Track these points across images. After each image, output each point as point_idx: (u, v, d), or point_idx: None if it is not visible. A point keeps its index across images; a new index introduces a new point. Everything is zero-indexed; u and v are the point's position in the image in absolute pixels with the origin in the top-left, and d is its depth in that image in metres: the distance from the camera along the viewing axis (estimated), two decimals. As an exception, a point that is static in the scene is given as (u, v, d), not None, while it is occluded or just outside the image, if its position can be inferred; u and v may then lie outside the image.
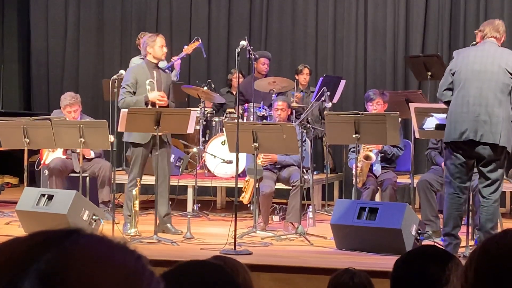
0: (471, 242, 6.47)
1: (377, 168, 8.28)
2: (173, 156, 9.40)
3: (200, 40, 9.53)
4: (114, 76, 7.81)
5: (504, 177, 8.98)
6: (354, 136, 7.30)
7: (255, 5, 11.71)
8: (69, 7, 12.32)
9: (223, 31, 11.80)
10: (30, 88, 12.54)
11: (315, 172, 9.51)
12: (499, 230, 6.71)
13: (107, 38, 12.25)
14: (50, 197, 7.43)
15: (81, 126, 7.84)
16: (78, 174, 8.20)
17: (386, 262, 5.46)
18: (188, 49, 9.49)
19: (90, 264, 0.88)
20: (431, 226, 7.36)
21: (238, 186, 7.27)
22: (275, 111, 8.33)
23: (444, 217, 6.48)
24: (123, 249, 0.93)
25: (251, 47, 8.59)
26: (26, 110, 12.14)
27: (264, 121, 8.99)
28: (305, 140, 8.30)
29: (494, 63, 6.22)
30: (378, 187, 8.25)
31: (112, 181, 7.82)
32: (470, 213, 6.55)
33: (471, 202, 6.56)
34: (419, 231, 6.68)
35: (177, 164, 9.42)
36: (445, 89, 6.37)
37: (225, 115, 9.93)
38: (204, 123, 9.69)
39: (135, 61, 10.12)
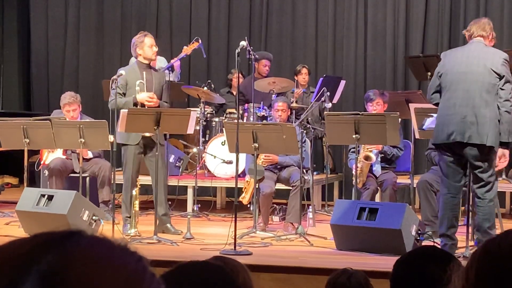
0: (471, 243, 6.47)
1: (377, 169, 8.28)
2: (173, 156, 9.41)
3: (200, 41, 9.53)
4: (114, 76, 7.81)
5: (504, 177, 9.04)
6: (354, 136, 7.30)
7: (255, 6, 11.71)
8: (69, 7, 12.32)
9: (223, 31, 11.80)
10: (30, 88, 12.55)
11: (315, 173, 9.50)
12: (498, 230, 6.72)
13: (107, 38, 12.25)
14: (50, 198, 7.42)
15: (81, 126, 7.84)
16: (78, 174, 8.21)
17: (386, 262, 5.46)
18: (187, 50, 9.48)
19: (91, 265, 0.88)
20: (431, 226, 7.35)
21: (238, 186, 7.27)
22: (276, 112, 8.33)
23: (439, 218, 6.49)
24: (124, 251, 0.92)
25: (251, 48, 8.59)
26: (26, 110, 12.14)
27: (264, 121, 8.99)
28: (305, 141, 8.30)
29: (479, 63, 6.23)
30: (378, 188, 8.25)
31: (112, 181, 7.81)
32: (470, 213, 6.54)
33: (470, 203, 6.55)
34: (419, 232, 6.68)
35: (177, 164, 9.42)
36: (433, 92, 6.41)
37: (225, 115, 9.94)
38: (204, 123, 9.70)
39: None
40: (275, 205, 8.55)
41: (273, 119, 8.43)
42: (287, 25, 11.57)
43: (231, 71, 10.73)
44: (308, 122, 9.37)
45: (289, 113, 8.49)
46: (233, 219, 6.67)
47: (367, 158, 8.09)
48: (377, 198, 8.36)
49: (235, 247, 6.54)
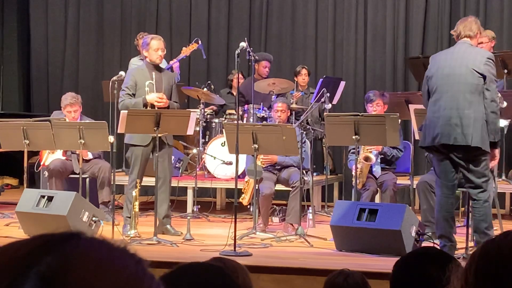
0: (471, 244, 6.47)
1: (377, 169, 8.28)
2: (173, 157, 9.40)
3: (199, 42, 9.53)
4: (114, 78, 7.81)
5: (503, 178, 9.04)
6: (354, 137, 7.31)
7: (254, 7, 11.72)
8: (69, 9, 12.33)
9: (222, 32, 11.80)
10: (29, 89, 12.55)
11: (314, 173, 9.51)
12: (498, 231, 6.72)
13: (106, 39, 12.25)
14: (50, 199, 7.43)
15: (81, 127, 7.84)
16: (77, 175, 8.21)
17: (386, 263, 5.46)
18: (186, 51, 9.49)
19: (91, 267, 0.88)
20: (431, 227, 7.34)
21: (238, 187, 7.27)
22: (275, 113, 8.33)
23: (435, 220, 6.50)
24: (124, 253, 0.93)
25: (251, 49, 8.59)
26: (25, 112, 12.14)
27: (264, 122, 8.99)
28: (304, 141, 8.30)
29: (462, 64, 6.24)
30: (378, 188, 8.25)
31: (112, 182, 7.82)
32: (470, 214, 6.54)
33: (470, 204, 6.56)
34: (419, 232, 6.68)
35: (176, 165, 9.42)
36: (424, 96, 6.46)
37: (224, 116, 9.94)
38: (204, 124, 9.70)
39: (134, 61, 10.12)
40: (275, 206, 8.54)
41: (273, 120, 8.43)
42: (287, 26, 11.57)
43: (232, 71, 10.74)
44: (308, 123, 9.37)
45: (288, 113, 8.49)
46: (233, 220, 6.67)
47: (366, 159, 8.09)
48: (377, 199, 8.36)
49: (235, 248, 6.54)
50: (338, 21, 11.36)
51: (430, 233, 7.02)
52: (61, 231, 0.93)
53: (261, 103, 9.42)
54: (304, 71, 10.23)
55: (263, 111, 9.32)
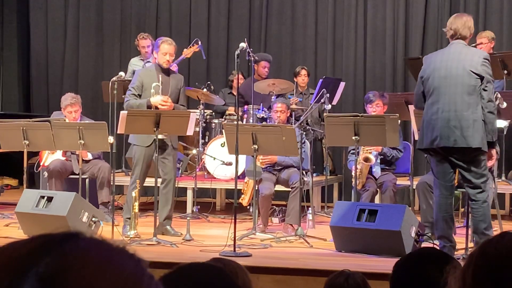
0: (471, 244, 6.47)
1: (377, 170, 8.28)
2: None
3: (199, 42, 9.53)
4: (114, 78, 7.81)
5: (503, 178, 9.04)
6: (353, 138, 7.30)
7: (254, 7, 11.72)
8: (68, 9, 12.33)
9: (222, 33, 11.80)
10: (29, 89, 12.54)
11: (314, 174, 9.51)
12: (498, 231, 6.72)
13: (106, 40, 12.25)
14: (50, 199, 7.43)
15: (80, 128, 7.84)
16: (77, 176, 8.20)
17: (386, 264, 5.46)
18: (187, 53, 9.49)
19: (90, 268, 0.88)
20: (431, 228, 7.35)
21: (238, 188, 7.27)
22: (275, 113, 8.32)
23: (435, 220, 6.50)
24: (123, 253, 0.93)
25: (251, 49, 8.59)
26: (25, 112, 12.14)
27: (264, 123, 8.99)
28: (304, 142, 8.30)
29: (459, 66, 6.22)
30: (378, 189, 8.25)
31: (112, 183, 7.82)
32: (470, 215, 6.54)
33: (469, 204, 6.55)
34: (419, 233, 6.68)
35: (176, 166, 9.41)
36: (420, 98, 6.43)
37: (224, 117, 9.94)
38: (204, 125, 9.70)
39: (134, 62, 10.14)
40: (274, 206, 8.54)
41: (273, 121, 8.43)
42: (287, 27, 11.57)
43: (232, 72, 10.74)
44: (307, 124, 9.37)
45: (288, 114, 8.48)
46: (233, 220, 6.67)
47: (366, 160, 8.09)
48: (377, 200, 8.36)
49: (234, 248, 6.54)
50: (337, 22, 11.36)
51: (430, 233, 7.03)
52: (61, 231, 0.93)
53: (261, 104, 9.42)
54: (303, 72, 10.23)
55: (263, 112, 9.32)
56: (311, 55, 11.43)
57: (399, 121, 7.82)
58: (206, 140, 9.70)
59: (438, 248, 5.97)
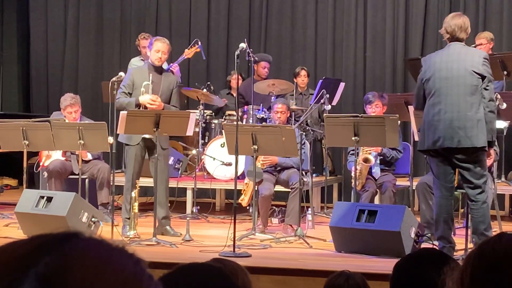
0: (470, 245, 6.47)
1: (376, 171, 8.28)
2: (172, 158, 9.39)
3: (199, 43, 9.53)
4: (114, 78, 7.81)
5: (503, 180, 9.04)
6: (353, 138, 7.30)
7: (254, 8, 11.72)
8: (68, 9, 12.33)
9: (222, 33, 11.80)
10: (29, 90, 12.55)
11: (314, 175, 9.50)
12: (498, 232, 6.71)
13: (106, 40, 12.25)
14: (49, 199, 7.43)
15: (80, 128, 7.84)
16: (77, 176, 8.21)
17: (385, 264, 5.46)
18: (188, 53, 9.49)
19: (89, 268, 0.88)
20: (430, 228, 7.34)
21: (238, 188, 7.27)
22: (275, 114, 8.31)
23: (435, 221, 6.50)
24: (122, 253, 0.93)
25: (251, 50, 8.59)
26: (25, 112, 12.14)
27: (264, 123, 8.99)
28: (304, 143, 8.30)
29: (460, 67, 6.22)
30: (377, 190, 8.25)
31: (111, 183, 7.81)
32: (469, 216, 6.54)
33: (469, 205, 6.55)
34: (418, 234, 6.68)
35: (176, 166, 9.42)
36: (420, 99, 6.42)
37: (224, 117, 9.94)
38: (204, 125, 9.70)
39: (134, 62, 10.13)
40: (274, 207, 8.54)
41: (273, 121, 8.43)
42: (287, 27, 11.57)
43: (231, 72, 10.74)
44: (307, 124, 9.37)
45: (288, 114, 8.47)
46: (232, 221, 6.67)
47: (366, 160, 8.09)
48: (376, 200, 8.36)
49: (234, 249, 6.54)
50: (337, 22, 11.36)
51: (430, 234, 7.03)
52: (60, 231, 0.93)
53: (261, 104, 9.42)
54: (303, 73, 10.23)
55: (263, 112, 9.32)
56: (311, 56, 11.43)
57: (399, 121, 7.82)
58: (206, 141, 9.70)
59: (437, 248, 5.97)
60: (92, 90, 11.78)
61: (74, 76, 12.27)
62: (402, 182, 8.76)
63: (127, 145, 7.72)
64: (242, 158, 8.07)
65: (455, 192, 6.79)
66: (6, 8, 12.65)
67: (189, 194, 9.21)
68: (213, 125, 9.86)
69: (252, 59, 8.74)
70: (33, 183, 9.59)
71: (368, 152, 8.13)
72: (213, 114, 10.14)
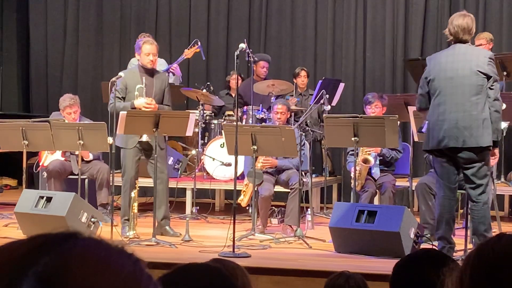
0: (470, 246, 6.47)
1: (376, 171, 8.28)
2: (171, 158, 9.40)
3: (199, 43, 9.53)
4: (113, 79, 7.80)
5: (503, 180, 9.04)
6: (353, 139, 7.30)
7: (254, 8, 11.72)
8: (68, 10, 12.33)
9: (222, 33, 11.80)
10: (29, 90, 12.55)
11: (313, 175, 9.50)
12: (497, 233, 6.71)
13: (106, 40, 12.25)
14: (49, 199, 7.42)
15: (80, 128, 7.84)
16: (76, 176, 8.20)
17: (385, 265, 5.46)
18: (188, 53, 9.49)
19: (88, 267, 0.88)
20: (430, 229, 7.35)
21: (237, 188, 7.27)
22: (275, 115, 8.30)
23: (437, 221, 6.49)
24: (121, 253, 0.93)
25: (250, 50, 8.59)
26: (25, 112, 12.14)
27: (263, 123, 8.99)
28: (304, 143, 8.30)
29: (465, 66, 6.21)
30: (377, 190, 8.25)
31: (111, 184, 7.81)
32: (469, 216, 6.54)
33: (469, 206, 6.55)
34: (418, 234, 6.68)
35: (175, 166, 9.42)
36: (423, 99, 6.40)
37: (224, 117, 9.94)
38: (203, 125, 9.70)
39: (134, 62, 10.11)
40: (273, 207, 8.54)
41: (272, 122, 8.42)
42: (286, 28, 11.58)
43: (230, 72, 10.74)
44: (307, 125, 9.37)
45: (288, 115, 8.47)
46: (232, 221, 6.67)
47: (365, 161, 8.08)
48: (376, 201, 8.36)
49: (233, 249, 6.54)
50: (337, 23, 11.37)
51: (429, 234, 7.03)
52: (59, 231, 0.93)
53: (260, 105, 9.42)
54: (303, 73, 10.23)
55: (262, 113, 9.32)
56: (310, 56, 11.44)
57: (398, 122, 7.81)
58: (206, 141, 9.69)
59: (437, 249, 5.96)
60: (92, 90, 11.77)
61: (74, 76, 12.27)
62: (402, 182, 8.76)
63: (121, 148, 7.72)
64: (241, 159, 8.07)
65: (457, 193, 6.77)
66: (6, 9, 12.64)
67: (188, 194, 9.21)
68: (213, 125, 9.86)
69: (252, 59, 8.74)
70: (32, 183, 9.59)
71: (368, 153, 8.12)
72: (213, 114, 10.14)
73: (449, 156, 6.28)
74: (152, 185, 7.62)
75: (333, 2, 11.34)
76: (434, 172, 6.50)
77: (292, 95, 9.96)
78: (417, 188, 7.82)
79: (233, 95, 10.17)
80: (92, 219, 7.27)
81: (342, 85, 9.82)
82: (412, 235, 6.62)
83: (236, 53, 7.10)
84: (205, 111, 9.73)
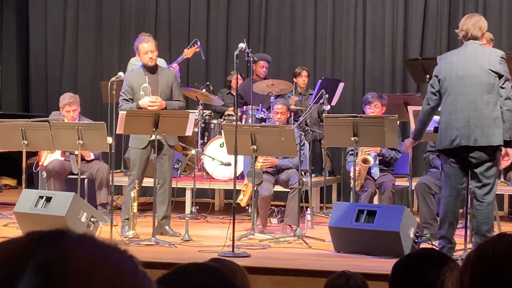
0: (469, 245, 6.47)
1: (375, 171, 8.28)
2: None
3: (198, 43, 9.53)
4: (113, 78, 7.81)
5: (502, 180, 9.04)
6: (352, 138, 7.30)
7: (253, 8, 11.72)
8: (68, 9, 12.32)
9: (221, 33, 11.80)
10: (28, 90, 12.55)
11: (313, 175, 9.50)
12: (497, 232, 6.71)
13: (105, 40, 12.25)
14: (48, 199, 7.42)
15: (79, 128, 7.84)
16: (76, 176, 8.20)
17: (384, 265, 5.46)
18: (187, 53, 9.49)
19: (88, 258, 0.90)
20: (429, 229, 7.35)
21: (237, 188, 7.27)
22: (275, 115, 8.30)
23: (439, 220, 6.49)
24: (115, 249, 0.94)
25: (250, 50, 8.59)
26: (24, 112, 12.14)
27: (263, 123, 8.99)
28: (303, 143, 8.30)
29: (476, 65, 6.21)
30: (376, 190, 8.25)
31: (110, 183, 7.82)
32: (468, 216, 6.54)
33: (469, 206, 6.55)
34: (417, 234, 6.68)
35: (175, 166, 9.42)
36: (432, 97, 6.37)
37: (223, 117, 9.94)
38: (203, 125, 9.70)
39: (134, 61, 10.12)
40: (273, 207, 8.54)
41: (272, 122, 8.42)
42: (286, 27, 11.58)
43: (231, 72, 10.74)
44: (306, 125, 9.37)
45: (288, 115, 8.46)
46: (231, 221, 6.67)
47: (365, 161, 8.08)
48: (376, 201, 8.36)
49: (233, 249, 6.54)
50: (337, 22, 11.37)
51: (429, 234, 7.02)
52: (53, 228, 0.95)
53: (260, 104, 9.42)
54: (304, 73, 10.23)
55: (262, 112, 9.32)
56: (310, 56, 11.44)
57: (398, 122, 7.81)
58: (205, 141, 9.70)
59: (436, 249, 5.97)
60: (92, 90, 11.77)
61: (73, 76, 12.27)
62: (401, 182, 8.76)
63: (132, 148, 7.73)
64: (241, 158, 8.06)
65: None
66: (6, 8, 12.64)
67: (188, 194, 9.21)
68: (212, 125, 9.86)
69: (251, 59, 8.74)
70: (32, 183, 9.59)
71: (367, 153, 8.12)
72: (212, 114, 10.14)
73: (459, 156, 6.25)
74: (152, 185, 7.61)
75: (333, 2, 11.34)
76: (442, 171, 6.46)
77: (293, 94, 9.96)
78: (416, 188, 7.82)
79: (234, 94, 10.18)
80: (92, 219, 7.27)
81: (341, 85, 9.81)
82: (411, 235, 6.62)
83: (235, 53, 7.10)
84: (204, 111, 9.74)
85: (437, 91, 6.35)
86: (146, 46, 7.61)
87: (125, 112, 7.25)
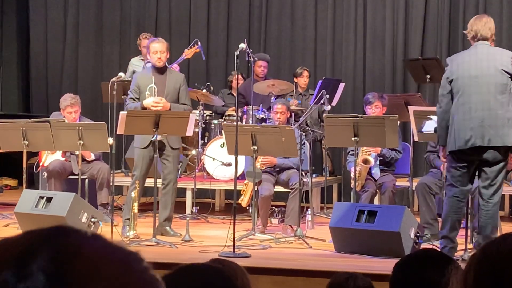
0: (470, 245, 6.47)
1: (376, 171, 8.28)
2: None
3: (199, 43, 9.54)
4: (113, 79, 7.81)
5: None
6: (353, 139, 7.31)
7: (254, 8, 11.72)
8: (68, 10, 12.32)
9: (222, 33, 11.80)
10: (29, 90, 12.54)
11: (314, 175, 9.50)
12: (497, 233, 6.71)
13: (106, 40, 12.25)
14: (49, 199, 7.43)
15: (80, 128, 7.84)
16: (76, 176, 8.20)
17: (385, 265, 5.46)
18: (188, 53, 9.49)
19: (96, 252, 0.91)
20: (430, 229, 7.36)
21: (237, 188, 7.27)
22: (275, 114, 8.31)
23: (442, 220, 6.48)
24: (124, 249, 0.96)
25: (250, 50, 8.59)
26: (25, 112, 12.14)
27: (263, 123, 8.99)
28: (304, 143, 8.30)
29: (489, 65, 6.21)
30: (377, 190, 8.25)
31: (111, 184, 7.82)
32: (469, 216, 6.53)
33: (470, 206, 6.55)
34: (418, 234, 6.68)
35: (177, 167, 9.42)
36: (444, 99, 6.33)
37: (224, 117, 9.94)
38: (203, 125, 9.70)
39: (134, 61, 10.14)
40: (274, 207, 8.54)
41: (273, 122, 8.43)
42: (286, 28, 11.57)
43: (231, 72, 10.74)
44: (307, 125, 9.37)
45: (288, 115, 8.46)
46: (232, 221, 6.67)
47: (365, 161, 8.08)
48: (376, 201, 8.36)
49: (234, 249, 6.54)
50: (337, 23, 11.36)
51: (429, 234, 7.02)
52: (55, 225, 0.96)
53: (260, 105, 9.42)
54: (305, 73, 10.23)
55: (262, 113, 9.32)
56: (310, 56, 11.43)
57: (399, 122, 7.82)
58: (206, 141, 9.70)
59: (437, 249, 5.96)
60: (92, 90, 11.77)
61: (74, 76, 12.27)
62: (402, 182, 8.76)
63: (135, 147, 7.75)
64: (242, 159, 8.07)
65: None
66: (6, 9, 12.64)
67: (188, 194, 9.21)
68: (213, 125, 9.86)
69: (252, 59, 8.74)
70: (32, 184, 9.59)
71: (368, 153, 8.12)
72: (213, 114, 10.14)
73: (467, 160, 6.21)
74: (152, 185, 7.61)
75: (333, 2, 11.34)
76: (448, 172, 6.40)
77: (293, 96, 9.95)
78: (417, 188, 7.82)
79: (235, 94, 10.17)
80: (92, 219, 7.27)
81: (342, 85, 9.81)
82: (412, 235, 6.62)
83: (236, 53, 7.10)
84: (205, 111, 9.74)
85: (448, 93, 6.32)
86: (156, 46, 7.64)
87: (125, 112, 7.25)
